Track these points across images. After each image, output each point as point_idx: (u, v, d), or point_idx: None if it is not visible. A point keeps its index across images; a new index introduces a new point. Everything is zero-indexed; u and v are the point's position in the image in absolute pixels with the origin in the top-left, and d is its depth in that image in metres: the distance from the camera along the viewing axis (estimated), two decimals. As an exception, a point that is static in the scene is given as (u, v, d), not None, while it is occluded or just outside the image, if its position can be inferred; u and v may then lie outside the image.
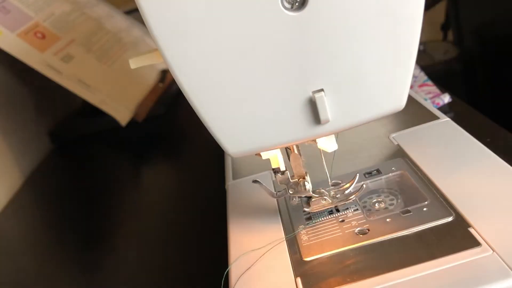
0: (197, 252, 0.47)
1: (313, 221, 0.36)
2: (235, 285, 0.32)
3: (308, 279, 0.32)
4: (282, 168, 0.36)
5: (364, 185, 0.36)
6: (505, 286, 0.27)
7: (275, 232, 0.36)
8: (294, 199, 0.36)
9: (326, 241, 0.34)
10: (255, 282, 0.32)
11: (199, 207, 0.54)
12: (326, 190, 0.36)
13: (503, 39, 0.69)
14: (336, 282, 0.31)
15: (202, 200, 0.55)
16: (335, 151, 0.34)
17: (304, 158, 0.35)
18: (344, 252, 0.33)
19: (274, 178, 0.44)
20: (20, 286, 0.51)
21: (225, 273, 0.34)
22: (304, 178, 0.35)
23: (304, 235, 0.36)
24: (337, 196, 0.36)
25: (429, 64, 0.85)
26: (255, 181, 0.36)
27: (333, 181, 0.38)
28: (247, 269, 0.33)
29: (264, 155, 0.35)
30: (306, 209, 0.36)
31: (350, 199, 0.36)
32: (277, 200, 0.40)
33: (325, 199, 0.36)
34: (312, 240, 0.35)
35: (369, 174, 0.40)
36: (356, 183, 0.36)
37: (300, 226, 0.36)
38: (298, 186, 0.36)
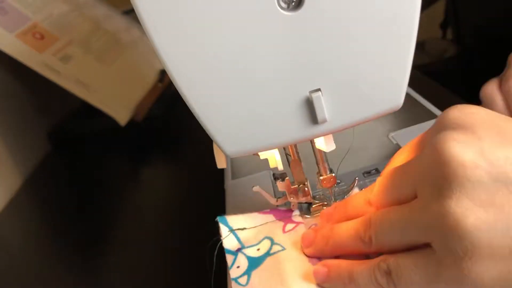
0: (196, 252, 0.47)
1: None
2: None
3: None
4: (280, 168, 0.36)
5: (357, 178, 0.36)
6: None
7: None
8: (295, 205, 0.36)
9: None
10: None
11: (198, 207, 0.54)
12: (326, 196, 0.37)
13: (503, 37, 0.69)
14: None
15: (201, 200, 0.55)
16: (333, 150, 0.34)
17: (304, 163, 0.35)
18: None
19: (273, 179, 0.43)
20: (19, 286, 0.51)
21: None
22: (304, 184, 0.35)
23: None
24: (337, 200, 0.36)
25: (428, 62, 0.85)
26: (255, 188, 0.36)
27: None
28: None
29: (262, 155, 0.35)
30: (307, 216, 0.36)
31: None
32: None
33: (326, 204, 0.36)
34: None
35: (368, 173, 0.40)
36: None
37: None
38: (298, 192, 0.36)
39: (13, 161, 0.73)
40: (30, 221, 0.64)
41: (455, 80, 0.81)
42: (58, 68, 0.73)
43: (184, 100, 0.29)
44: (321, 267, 0.29)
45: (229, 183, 0.46)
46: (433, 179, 0.24)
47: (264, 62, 0.27)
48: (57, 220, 0.62)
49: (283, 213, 0.36)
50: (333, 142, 0.33)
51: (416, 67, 0.37)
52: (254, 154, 0.34)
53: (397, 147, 0.43)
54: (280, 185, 0.36)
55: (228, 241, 0.34)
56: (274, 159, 0.35)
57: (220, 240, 0.34)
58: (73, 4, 0.85)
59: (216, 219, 0.35)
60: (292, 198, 0.36)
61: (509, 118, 0.25)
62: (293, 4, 0.26)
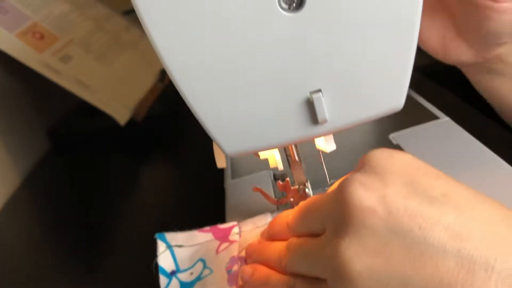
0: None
1: None
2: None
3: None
4: (280, 168, 0.35)
5: None
6: None
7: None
8: (295, 206, 0.36)
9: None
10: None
11: (198, 207, 0.54)
12: None
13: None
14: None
15: (201, 200, 0.55)
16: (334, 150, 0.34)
17: (305, 164, 0.35)
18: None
19: (273, 179, 0.43)
20: (18, 286, 0.50)
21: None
22: (305, 185, 0.35)
23: None
24: None
25: (428, 63, 0.84)
26: (256, 189, 0.36)
27: (331, 181, 0.38)
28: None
29: (262, 155, 0.35)
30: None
31: None
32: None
33: None
34: None
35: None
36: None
37: None
38: (299, 193, 0.36)
39: (12, 160, 0.72)
40: (28, 221, 0.64)
41: (455, 80, 0.81)
42: (58, 68, 0.72)
43: (184, 100, 0.28)
44: (249, 267, 0.31)
45: (229, 182, 0.46)
46: (334, 219, 0.24)
47: (264, 62, 0.27)
48: (56, 219, 0.62)
49: (222, 231, 0.36)
50: (334, 142, 0.33)
51: (417, 68, 0.37)
52: (254, 154, 0.34)
53: (398, 148, 0.43)
54: (280, 186, 0.35)
55: (164, 259, 0.34)
56: (274, 159, 0.35)
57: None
58: (73, 3, 0.85)
59: (154, 236, 0.35)
60: (292, 199, 0.36)
61: (431, 171, 0.25)
62: (294, 5, 0.26)
